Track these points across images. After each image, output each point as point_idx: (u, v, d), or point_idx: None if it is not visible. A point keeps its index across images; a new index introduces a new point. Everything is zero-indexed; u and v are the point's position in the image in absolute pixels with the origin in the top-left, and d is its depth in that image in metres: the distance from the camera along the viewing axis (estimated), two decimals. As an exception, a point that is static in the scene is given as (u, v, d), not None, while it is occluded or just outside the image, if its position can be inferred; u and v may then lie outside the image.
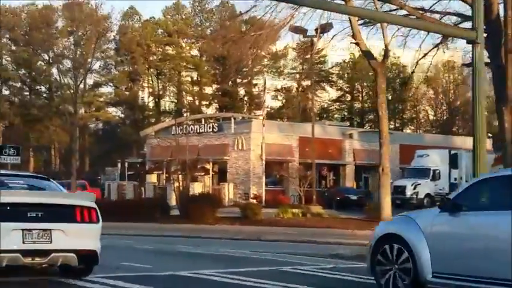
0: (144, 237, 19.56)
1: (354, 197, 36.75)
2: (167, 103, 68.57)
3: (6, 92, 65.41)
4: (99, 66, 64.76)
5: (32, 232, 7.89)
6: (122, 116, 68.45)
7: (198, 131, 43.30)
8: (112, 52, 65.46)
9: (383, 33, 20.44)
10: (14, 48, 64.04)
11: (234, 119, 43.41)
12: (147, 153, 47.85)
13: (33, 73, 63.64)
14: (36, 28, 62.65)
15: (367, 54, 20.67)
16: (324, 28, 21.54)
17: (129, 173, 46.88)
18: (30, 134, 64.04)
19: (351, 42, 20.65)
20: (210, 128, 43.15)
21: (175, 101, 66.86)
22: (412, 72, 28.70)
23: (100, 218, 8.56)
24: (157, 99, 66.66)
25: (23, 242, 7.84)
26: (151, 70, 65.67)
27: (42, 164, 68.64)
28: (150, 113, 66.99)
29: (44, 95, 65.86)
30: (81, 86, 56.27)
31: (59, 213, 8.17)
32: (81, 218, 8.31)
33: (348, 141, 44.92)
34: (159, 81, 66.23)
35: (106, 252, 13.36)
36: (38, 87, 65.80)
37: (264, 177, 36.50)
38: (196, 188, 38.02)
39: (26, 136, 63.14)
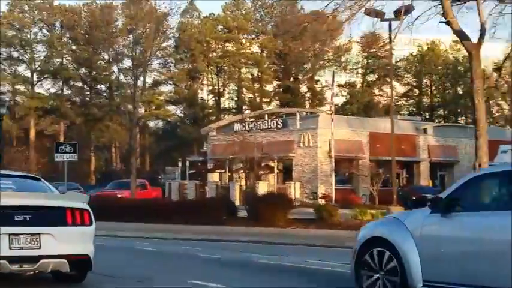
0: (210, 243, 17.68)
1: (431, 197, 34.04)
2: (227, 101, 67.24)
3: (67, 92, 65.41)
4: (159, 64, 63.90)
5: (19, 237, 7.39)
6: (182, 114, 67.45)
7: (261, 127, 41.57)
8: (171, 50, 64.48)
9: (478, 9, 18.11)
10: (74, 47, 63.84)
11: (299, 114, 41.42)
12: (208, 151, 46.46)
13: (94, 72, 63.31)
14: (96, 27, 62.16)
15: (460, 35, 18.37)
16: (407, 9, 19.32)
17: (191, 171, 45.51)
18: (91, 133, 63.73)
19: (440, 22, 18.33)
20: (274, 124, 41.31)
21: (236, 98, 65.43)
22: (507, 57, 25.70)
23: (93, 220, 8.02)
24: (217, 97, 65.34)
25: (10, 248, 7.31)
26: (211, 67, 64.37)
27: (102, 163, 68.36)
28: (210, 110, 65.74)
29: (104, 94, 65.49)
30: (141, 84, 55.64)
31: (49, 216, 7.67)
32: (72, 220, 7.79)
33: (423, 137, 42.40)
34: (219, 78, 64.87)
35: (169, 263, 11.81)
36: (98, 86, 65.47)
37: (333, 176, 34.46)
38: (261, 187, 36.34)
39: (87, 135, 62.88)
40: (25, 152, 61.83)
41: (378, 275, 7.08)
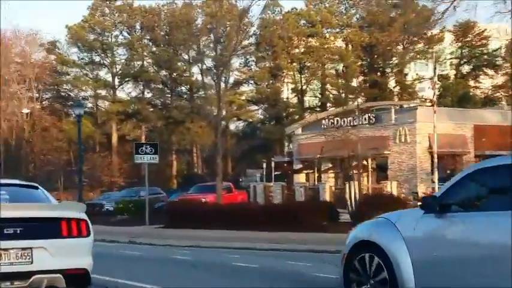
0: (320, 255, 14.87)
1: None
2: (310, 98, 64.72)
3: (148, 95, 64.67)
4: (240, 63, 62.12)
5: (8, 252, 6.93)
6: (264, 113, 65.38)
7: (352, 123, 38.73)
8: (252, 48, 62.52)
9: None
10: (154, 49, 62.99)
11: (394, 108, 38.33)
12: (294, 151, 44.04)
13: (174, 74, 62.20)
14: (177, 27, 61.02)
15: None
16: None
17: (276, 173, 43.24)
18: (173, 136, 62.66)
19: None
20: (366, 120, 38.36)
21: (319, 95, 62.79)
22: None
23: (91, 230, 7.60)
24: (300, 95, 62.88)
25: None
26: (294, 64, 61.95)
27: (184, 167, 67.20)
28: (293, 109, 63.39)
29: (185, 96, 64.30)
30: (222, 84, 53.99)
31: (42, 228, 7.16)
32: (68, 232, 7.32)
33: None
34: (302, 75, 62.41)
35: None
36: (179, 88, 64.36)
37: (436, 173, 31.29)
38: (354, 188, 33.46)
39: (168, 139, 61.82)
40: (107, 158, 61.57)
41: (366, 283, 6.53)
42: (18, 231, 6.94)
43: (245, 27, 60.43)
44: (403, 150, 36.11)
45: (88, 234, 7.56)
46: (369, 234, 6.73)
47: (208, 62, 59.84)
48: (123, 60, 63.23)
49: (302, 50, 61.14)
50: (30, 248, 6.98)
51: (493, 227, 5.66)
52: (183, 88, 64.27)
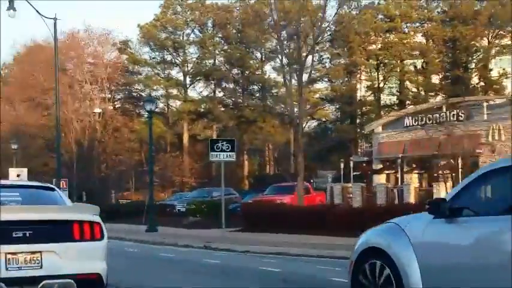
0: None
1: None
2: (387, 96, 62.03)
3: (219, 94, 63.46)
4: (314, 60, 59.94)
5: (17, 256, 6.70)
6: (339, 112, 63.12)
7: (438, 120, 36.01)
8: (327, 44, 60.31)
9: None
10: (226, 47, 61.67)
11: (487, 103, 35.41)
12: (373, 151, 41.62)
13: (246, 72, 60.68)
14: (249, 24, 59.44)
15: None
16: None
17: (355, 173, 40.99)
18: (244, 136, 61.20)
19: None
20: (454, 117, 35.54)
21: (398, 93, 60.01)
22: None
23: (105, 233, 7.18)
24: (376, 92, 60.28)
25: (7, 269, 6.64)
26: (370, 61, 59.36)
27: (256, 168, 65.65)
28: (369, 107, 60.87)
29: (257, 95, 62.69)
30: (295, 83, 52.35)
31: (52, 231, 6.89)
32: (80, 235, 6.99)
33: None
34: (379, 72, 59.77)
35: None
36: (251, 86, 62.83)
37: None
38: (442, 189, 31.07)
39: (240, 139, 60.36)
40: (178, 158, 60.81)
41: None
42: (28, 235, 6.75)
43: (320, 24, 58.51)
44: (496, 149, 33.20)
45: (102, 238, 7.21)
46: (377, 240, 6.43)
47: (281, 60, 58.25)
48: (194, 59, 62.26)
49: (379, 46, 58.56)
50: (40, 252, 6.79)
51: (508, 233, 5.17)
52: (255, 86, 62.66)
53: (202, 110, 61.91)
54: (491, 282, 5.23)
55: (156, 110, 48.35)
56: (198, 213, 33.82)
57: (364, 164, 42.73)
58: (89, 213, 7.31)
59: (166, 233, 26.84)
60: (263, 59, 60.21)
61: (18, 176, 45.38)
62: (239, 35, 59.66)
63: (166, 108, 64.02)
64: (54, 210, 7.40)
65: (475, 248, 5.43)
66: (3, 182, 8.96)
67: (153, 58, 62.52)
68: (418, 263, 5.84)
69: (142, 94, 65.94)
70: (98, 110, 58.99)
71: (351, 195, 37.54)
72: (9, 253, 6.64)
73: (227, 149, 22.88)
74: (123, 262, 15.29)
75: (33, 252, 6.75)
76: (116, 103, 67.15)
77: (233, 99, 62.52)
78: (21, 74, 66.39)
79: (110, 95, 64.98)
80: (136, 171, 61.49)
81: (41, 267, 6.76)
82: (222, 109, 61.44)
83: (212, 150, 22.88)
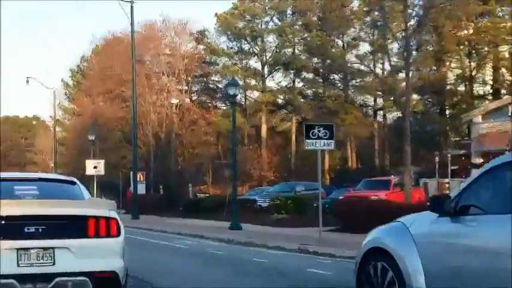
0: None
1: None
2: (480, 85, 58.03)
3: (298, 85, 61.01)
4: (399, 47, 56.55)
5: (29, 252, 6.54)
6: (427, 102, 59.54)
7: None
8: (414, 30, 56.71)
9: None
10: (305, 35, 59.09)
11: None
12: (472, 143, 38.19)
13: (327, 61, 57.90)
14: (330, 11, 56.74)
15: None
16: None
17: (453, 167, 37.74)
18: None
19: None
20: None
21: (491, 81, 55.92)
22: None
23: (122, 229, 6.97)
24: (468, 81, 56.39)
25: (18, 265, 6.51)
26: (461, 47, 55.38)
27: (338, 162, 62.86)
28: (459, 97, 57.10)
29: (339, 85, 59.84)
30: (380, 71, 49.75)
31: (66, 226, 6.72)
32: (95, 231, 6.77)
33: None
34: (471, 59, 55.83)
35: None
36: (332, 76, 60.04)
37: None
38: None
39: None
40: (257, 151, 58.94)
41: None
42: (40, 230, 6.59)
43: (404, 9, 55.15)
44: None
45: (118, 234, 6.98)
46: (381, 240, 6.27)
47: (365, 47, 55.38)
48: (273, 48, 60.02)
49: (471, 31, 54.56)
50: (53, 248, 6.63)
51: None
52: (336, 76, 59.85)
53: (280, 100, 59.67)
54: (500, 284, 4.88)
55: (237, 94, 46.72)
56: (283, 210, 31.55)
57: (463, 158, 39.39)
58: (105, 208, 7.07)
59: (252, 231, 24.72)
60: (345, 47, 57.30)
61: (95, 168, 44.57)
62: (320, 22, 56.97)
63: (243, 100, 62.18)
64: (68, 205, 7.16)
65: (482, 248, 5.13)
66: (22, 175, 8.76)
67: (231, 48, 60.70)
68: (422, 264, 5.68)
69: (219, 85, 64.48)
70: (175, 101, 57.74)
71: (449, 192, 34.48)
72: (20, 249, 6.49)
73: (324, 136, 20.34)
74: (211, 271, 13.10)
75: (45, 249, 6.58)
76: (192, 95, 65.89)
77: (313, 89, 59.92)
78: (99, 66, 66.15)
79: (186, 87, 63.76)
80: (214, 164, 60.16)
81: (53, 264, 6.59)
82: (302, 100, 58.96)
83: (308, 137, 20.39)
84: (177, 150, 61.20)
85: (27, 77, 61.15)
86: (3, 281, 6.37)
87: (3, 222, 6.52)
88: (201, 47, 62.36)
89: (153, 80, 60.95)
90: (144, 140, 58.36)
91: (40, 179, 8.17)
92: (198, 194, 48.36)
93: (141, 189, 45.05)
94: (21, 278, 6.40)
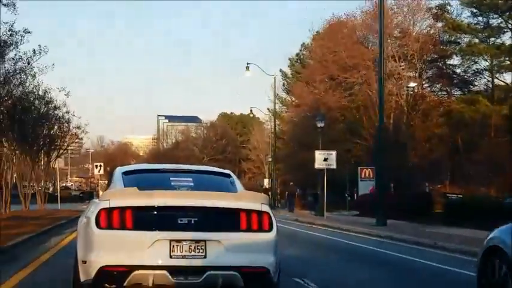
0: None
1: None
2: None
3: None
4: None
5: (181, 244, 6.52)
6: None
7: None
8: None
9: None
10: None
11: None
12: None
13: None
14: None
15: None
16: None
17: None
18: None
19: None
20: None
21: None
22: None
23: (274, 225, 6.89)
24: None
25: (170, 257, 6.48)
26: None
27: None
28: None
29: None
30: None
31: (218, 219, 6.70)
32: (247, 225, 6.76)
33: None
34: None
35: None
36: None
37: None
38: None
39: None
40: (508, 143, 49.78)
41: None
42: (193, 222, 6.59)
43: None
44: None
45: (270, 229, 6.86)
46: (498, 239, 6.41)
47: None
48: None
49: None
50: (204, 241, 6.58)
51: None
52: None
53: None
54: None
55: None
56: None
57: None
58: (257, 202, 6.92)
59: None
60: None
61: (325, 160, 38.95)
62: None
63: (490, 84, 53.01)
64: (221, 197, 6.96)
65: None
66: (180, 166, 8.81)
67: (476, 24, 51.74)
68: None
69: (456, 70, 56.05)
70: (412, 84, 50.47)
71: None
72: (173, 240, 6.50)
73: None
74: None
75: (197, 241, 6.55)
76: (424, 82, 58.09)
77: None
78: (321, 51, 61.12)
79: (418, 73, 56.20)
80: (453, 160, 52.19)
81: (204, 257, 6.54)
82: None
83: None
84: (408, 143, 54.10)
85: (247, 63, 58.43)
86: (157, 272, 6.32)
87: (157, 212, 6.51)
88: (439, 24, 54.22)
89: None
90: (372, 132, 52.04)
91: (197, 171, 8.18)
92: (448, 195, 40.28)
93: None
94: (174, 270, 6.38)
